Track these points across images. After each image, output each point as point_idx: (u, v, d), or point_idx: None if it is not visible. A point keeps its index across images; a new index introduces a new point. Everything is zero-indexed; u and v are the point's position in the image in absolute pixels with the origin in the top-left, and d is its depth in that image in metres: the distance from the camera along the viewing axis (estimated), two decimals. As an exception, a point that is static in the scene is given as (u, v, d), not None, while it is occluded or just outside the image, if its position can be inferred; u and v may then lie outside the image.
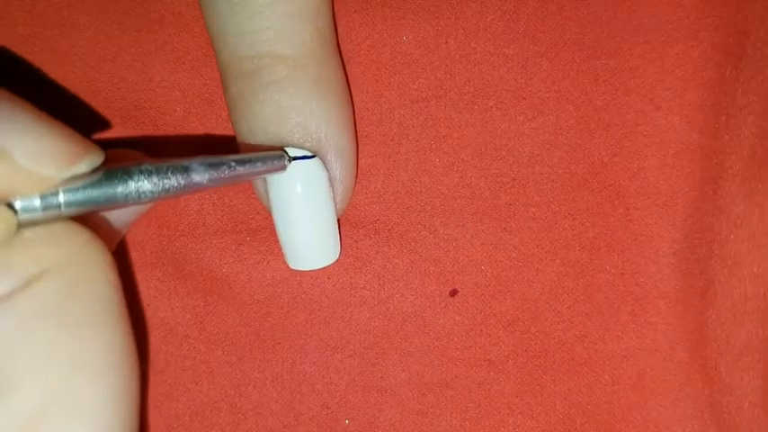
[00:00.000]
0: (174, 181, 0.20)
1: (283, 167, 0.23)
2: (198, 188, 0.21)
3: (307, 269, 0.25)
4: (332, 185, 0.24)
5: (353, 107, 0.26)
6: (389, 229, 0.27)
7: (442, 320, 0.26)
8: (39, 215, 0.18)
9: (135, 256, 0.26)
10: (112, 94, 0.26)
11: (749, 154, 0.25)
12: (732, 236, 0.25)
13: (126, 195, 0.20)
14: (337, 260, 0.25)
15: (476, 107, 0.26)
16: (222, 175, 0.21)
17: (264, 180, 0.24)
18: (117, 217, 0.23)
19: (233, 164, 0.21)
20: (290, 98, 0.23)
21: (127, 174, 0.20)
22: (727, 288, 0.26)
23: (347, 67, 0.26)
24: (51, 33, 0.26)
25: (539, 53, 0.26)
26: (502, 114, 0.26)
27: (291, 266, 0.25)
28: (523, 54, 0.26)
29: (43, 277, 0.18)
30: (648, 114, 0.26)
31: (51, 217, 0.19)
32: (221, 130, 0.26)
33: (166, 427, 0.26)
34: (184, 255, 0.26)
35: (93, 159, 0.19)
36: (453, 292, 0.26)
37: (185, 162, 0.21)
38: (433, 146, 0.26)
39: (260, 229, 0.26)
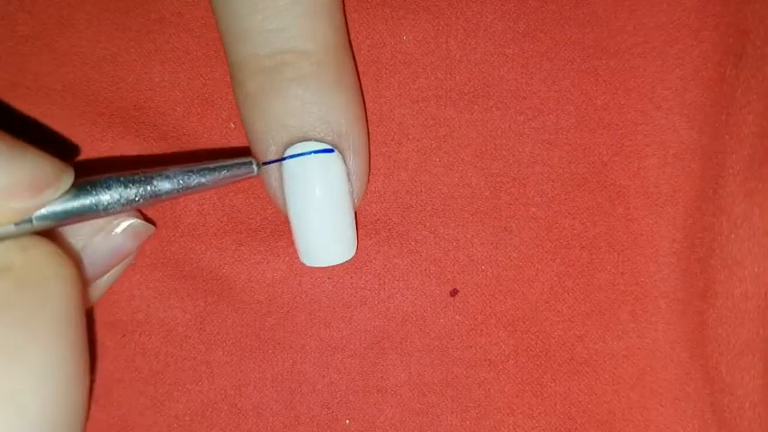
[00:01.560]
0: (138, 192, 0.21)
1: (252, 173, 0.23)
2: (167, 197, 0.22)
3: (323, 266, 0.25)
4: (350, 179, 0.24)
5: None
6: (390, 229, 0.27)
7: (443, 320, 0.26)
8: (12, 231, 0.20)
9: (135, 256, 0.26)
10: (112, 94, 0.26)
11: (749, 153, 0.25)
12: (733, 235, 0.25)
13: (94, 208, 0.21)
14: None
15: (476, 107, 0.26)
16: (189, 184, 0.22)
17: (279, 174, 0.24)
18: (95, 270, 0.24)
19: (199, 173, 0.22)
20: (312, 93, 0.23)
21: (93, 187, 0.21)
22: (728, 287, 0.26)
23: (347, 67, 0.26)
24: (51, 33, 0.26)
25: (539, 53, 0.26)
26: (502, 114, 0.26)
27: (307, 263, 0.25)
28: (524, 54, 0.26)
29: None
30: (648, 114, 0.26)
31: (24, 231, 0.20)
32: (221, 129, 0.26)
33: (167, 427, 0.26)
34: (184, 255, 0.26)
35: (62, 185, 0.20)
36: (454, 292, 0.26)
37: (150, 173, 0.22)
38: (434, 145, 0.26)
39: (260, 229, 0.26)
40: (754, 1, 0.26)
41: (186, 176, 0.22)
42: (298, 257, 0.25)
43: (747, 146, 0.25)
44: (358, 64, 0.26)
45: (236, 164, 0.23)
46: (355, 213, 0.25)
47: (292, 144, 0.23)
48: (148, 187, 0.21)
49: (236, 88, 0.24)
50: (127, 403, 0.26)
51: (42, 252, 0.20)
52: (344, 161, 0.24)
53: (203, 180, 0.22)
